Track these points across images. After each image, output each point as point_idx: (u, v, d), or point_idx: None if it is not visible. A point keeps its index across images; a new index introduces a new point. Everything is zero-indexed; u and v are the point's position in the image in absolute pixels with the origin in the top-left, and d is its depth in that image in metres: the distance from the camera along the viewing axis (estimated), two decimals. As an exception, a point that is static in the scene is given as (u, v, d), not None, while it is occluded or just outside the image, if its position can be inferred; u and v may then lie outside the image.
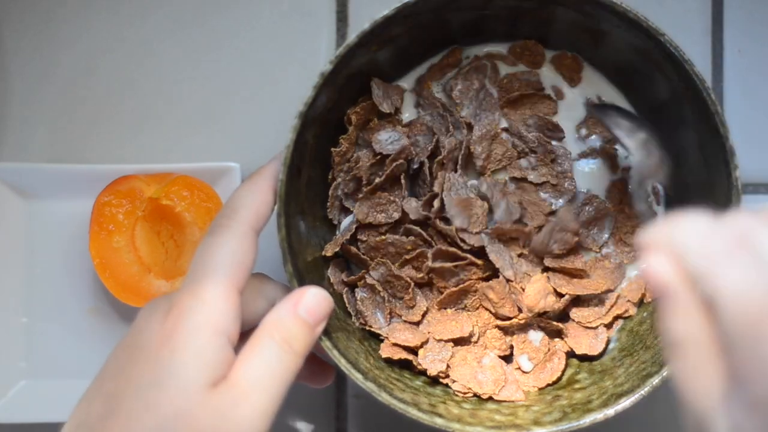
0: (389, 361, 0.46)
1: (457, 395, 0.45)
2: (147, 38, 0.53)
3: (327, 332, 0.41)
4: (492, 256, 0.46)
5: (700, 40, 0.52)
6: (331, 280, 0.47)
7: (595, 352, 0.47)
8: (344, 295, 0.47)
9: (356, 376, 0.41)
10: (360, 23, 0.42)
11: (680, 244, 0.29)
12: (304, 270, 0.43)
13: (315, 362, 0.44)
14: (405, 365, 0.46)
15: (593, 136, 0.49)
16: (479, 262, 0.46)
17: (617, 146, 0.48)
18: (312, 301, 0.39)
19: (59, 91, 0.53)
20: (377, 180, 0.46)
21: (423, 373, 0.46)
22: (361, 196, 0.46)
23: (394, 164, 0.45)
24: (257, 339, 0.37)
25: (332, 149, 0.46)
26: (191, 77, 0.53)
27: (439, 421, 0.41)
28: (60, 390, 0.51)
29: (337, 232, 0.48)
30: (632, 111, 0.48)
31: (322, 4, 0.53)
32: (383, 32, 0.42)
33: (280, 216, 0.40)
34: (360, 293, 0.47)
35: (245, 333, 0.38)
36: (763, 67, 0.52)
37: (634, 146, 0.44)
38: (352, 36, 0.41)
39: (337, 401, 0.53)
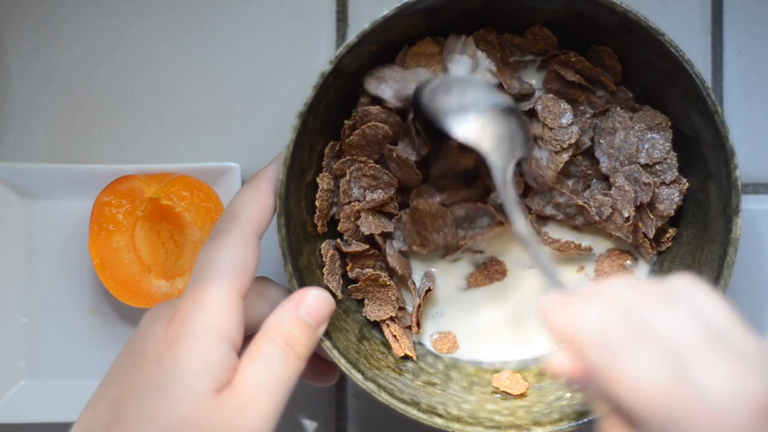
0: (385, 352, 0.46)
1: (455, 397, 0.45)
2: (147, 38, 0.53)
3: (327, 332, 0.41)
4: None
5: (700, 40, 0.52)
6: (322, 253, 0.47)
7: None
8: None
9: (356, 376, 0.42)
10: (360, 23, 0.42)
11: (580, 339, 0.30)
12: (304, 265, 0.43)
13: (319, 361, 0.44)
14: (404, 359, 0.46)
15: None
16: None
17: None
18: (313, 303, 0.39)
19: (59, 91, 0.53)
20: (348, 138, 0.45)
21: (421, 370, 0.46)
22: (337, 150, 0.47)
23: (365, 126, 0.45)
24: (259, 343, 0.37)
25: (345, 121, 0.46)
26: (191, 77, 0.53)
27: (438, 422, 0.42)
28: (60, 390, 0.51)
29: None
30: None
31: (322, 4, 0.53)
32: (383, 32, 0.42)
33: (280, 216, 0.41)
34: (390, 247, 0.47)
35: (248, 336, 0.38)
36: (763, 67, 0.52)
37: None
38: (352, 36, 0.41)
39: (337, 401, 0.53)
